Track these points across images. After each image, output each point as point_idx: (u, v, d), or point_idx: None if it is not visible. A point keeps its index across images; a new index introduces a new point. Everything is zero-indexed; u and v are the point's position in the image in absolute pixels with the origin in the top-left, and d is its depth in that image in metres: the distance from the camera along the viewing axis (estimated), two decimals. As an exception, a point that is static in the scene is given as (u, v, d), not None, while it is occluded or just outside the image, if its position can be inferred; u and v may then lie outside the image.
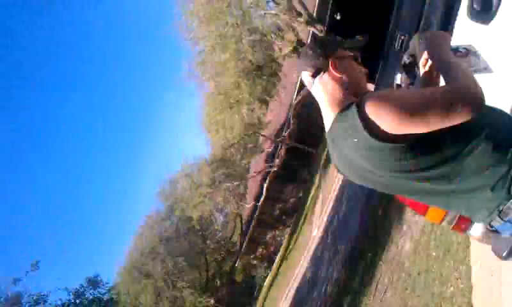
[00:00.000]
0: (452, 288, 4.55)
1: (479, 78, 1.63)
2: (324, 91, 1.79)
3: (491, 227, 1.77)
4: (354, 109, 1.63)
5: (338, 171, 1.90)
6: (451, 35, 1.87)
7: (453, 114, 1.54)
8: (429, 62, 1.88)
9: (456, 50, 1.91)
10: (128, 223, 66.71)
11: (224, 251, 26.60)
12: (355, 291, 8.42)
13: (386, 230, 7.88)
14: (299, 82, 17.39)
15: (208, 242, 25.41)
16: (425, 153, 1.63)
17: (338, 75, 1.78)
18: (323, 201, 17.09)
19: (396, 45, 3.45)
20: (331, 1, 16.15)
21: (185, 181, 21.70)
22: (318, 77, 1.80)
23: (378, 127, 1.57)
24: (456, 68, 1.67)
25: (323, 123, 1.82)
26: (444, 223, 2.76)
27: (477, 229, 2.65)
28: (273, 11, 17.31)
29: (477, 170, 1.64)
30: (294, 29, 17.59)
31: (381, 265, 7.32)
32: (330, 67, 1.78)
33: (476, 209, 1.73)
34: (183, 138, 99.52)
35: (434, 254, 5.37)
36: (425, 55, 1.89)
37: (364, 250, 8.98)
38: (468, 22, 2.58)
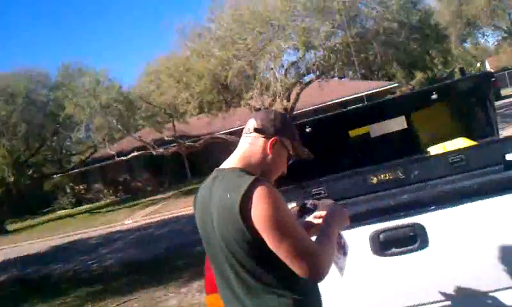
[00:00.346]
0: None
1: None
2: (249, 144, 1.93)
3: None
4: (251, 178, 1.74)
5: (195, 199, 1.99)
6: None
7: (301, 263, 1.69)
8: (320, 221, 2.06)
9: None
10: None
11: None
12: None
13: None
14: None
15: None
16: (260, 263, 1.75)
17: (269, 151, 1.91)
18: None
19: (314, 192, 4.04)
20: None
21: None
22: (258, 134, 1.92)
23: (250, 206, 1.69)
24: (330, 244, 1.84)
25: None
26: None
27: None
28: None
29: (269, 305, 1.77)
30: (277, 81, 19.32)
31: None
32: (271, 140, 1.91)
33: None
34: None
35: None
36: (322, 214, 2.08)
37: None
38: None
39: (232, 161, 1.92)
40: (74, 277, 11.63)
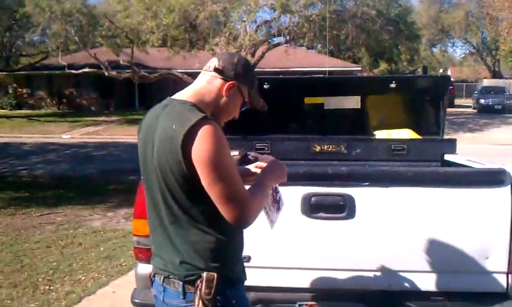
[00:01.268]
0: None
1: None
2: (206, 82, 1.89)
3: (152, 277, 1.95)
4: (200, 114, 1.72)
5: (141, 122, 1.96)
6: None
7: (229, 207, 1.70)
8: (258, 171, 2.11)
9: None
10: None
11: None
12: None
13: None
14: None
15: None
16: (191, 198, 1.76)
17: (224, 94, 1.89)
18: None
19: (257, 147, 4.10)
20: None
21: None
22: (217, 74, 1.89)
23: (192, 141, 1.68)
24: (262, 196, 1.87)
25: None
26: (136, 239, 2.84)
27: (145, 269, 2.75)
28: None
29: (193, 242, 1.79)
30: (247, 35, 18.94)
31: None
32: (229, 83, 1.88)
33: (165, 258, 1.86)
34: None
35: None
36: (263, 165, 2.13)
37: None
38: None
39: (185, 94, 1.89)
40: (1, 179, 11.30)
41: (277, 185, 2.12)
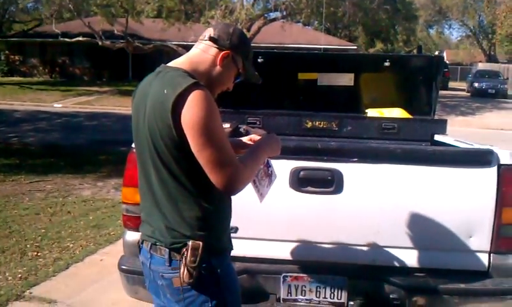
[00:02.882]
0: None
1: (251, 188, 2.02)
2: (201, 50, 1.90)
3: (140, 244, 1.96)
4: (192, 80, 1.72)
5: (135, 89, 1.96)
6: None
7: (218, 172, 1.70)
8: (251, 144, 2.16)
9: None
10: None
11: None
12: None
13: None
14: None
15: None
16: (180, 164, 1.75)
17: (219, 63, 1.88)
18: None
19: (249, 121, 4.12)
20: None
21: None
22: (212, 43, 1.88)
23: (182, 105, 1.67)
24: (253, 165, 1.89)
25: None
26: (125, 206, 2.85)
27: (133, 236, 2.79)
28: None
29: (180, 209, 1.80)
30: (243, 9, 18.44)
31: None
32: (223, 52, 1.87)
33: (153, 225, 1.87)
34: None
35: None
36: (256, 138, 2.17)
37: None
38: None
39: (180, 62, 1.88)
40: (-10, 145, 11.23)
41: (269, 159, 2.12)
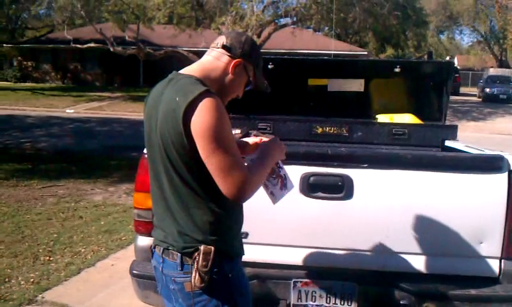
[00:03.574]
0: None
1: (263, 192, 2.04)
2: (213, 58, 1.93)
3: (152, 249, 1.98)
4: (203, 87, 1.74)
5: (148, 95, 1.98)
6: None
7: (226, 180, 1.72)
8: (256, 140, 2.21)
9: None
10: None
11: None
12: None
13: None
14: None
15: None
16: (191, 171, 1.77)
17: (230, 71, 1.91)
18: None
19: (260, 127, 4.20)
20: None
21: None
22: (224, 51, 1.92)
23: (193, 112, 1.69)
24: (261, 172, 1.88)
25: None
26: (136, 211, 2.86)
27: (144, 241, 2.82)
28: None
29: (192, 214, 1.82)
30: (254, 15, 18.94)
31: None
32: (235, 60, 1.90)
33: (166, 230, 1.89)
34: None
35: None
36: (264, 140, 2.18)
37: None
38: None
39: (192, 69, 1.91)
40: (4, 150, 11.35)
41: (279, 162, 2.13)
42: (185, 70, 1.91)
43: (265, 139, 2.20)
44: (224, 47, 1.91)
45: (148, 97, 1.96)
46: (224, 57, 1.91)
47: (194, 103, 1.69)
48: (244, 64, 1.93)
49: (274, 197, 2.12)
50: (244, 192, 1.75)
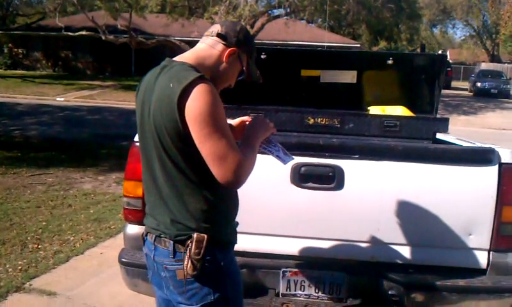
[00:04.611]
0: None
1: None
2: (208, 46, 1.92)
3: (144, 236, 1.97)
4: (197, 74, 1.73)
5: (140, 83, 1.96)
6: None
7: (220, 165, 1.70)
8: (238, 122, 2.19)
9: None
10: None
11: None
12: None
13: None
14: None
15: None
16: (185, 158, 1.76)
17: (224, 59, 1.90)
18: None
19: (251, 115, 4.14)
20: None
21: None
22: (219, 39, 1.91)
23: (187, 98, 1.68)
24: (252, 154, 1.86)
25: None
26: (126, 200, 2.83)
27: (133, 230, 2.82)
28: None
29: (185, 202, 1.80)
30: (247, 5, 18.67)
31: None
32: (230, 49, 1.90)
33: (158, 218, 1.88)
34: None
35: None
36: (245, 119, 2.19)
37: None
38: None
39: (186, 56, 1.90)
40: (-8, 137, 11.25)
41: (272, 138, 2.09)
42: (179, 57, 1.90)
43: (245, 118, 2.18)
44: (219, 35, 1.91)
45: (141, 84, 1.94)
46: (219, 46, 1.90)
47: (189, 89, 1.68)
48: (239, 53, 1.92)
49: (282, 159, 2.09)
50: (239, 177, 1.73)
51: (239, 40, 1.92)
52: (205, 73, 1.81)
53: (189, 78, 1.70)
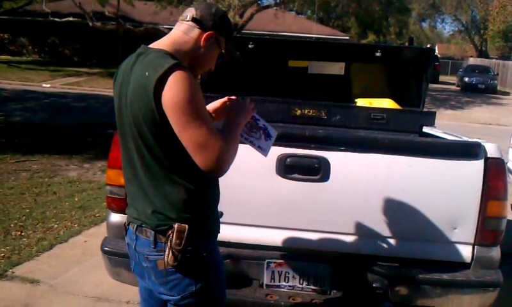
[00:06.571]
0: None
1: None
2: (183, 32, 1.86)
3: (126, 226, 1.95)
4: (173, 61, 1.68)
5: (117, 72, 1.93)
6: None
7: (202, 153, 1.67)
8: (228, 104, 2.04)
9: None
10: None
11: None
12: None
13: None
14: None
15: None
16: (164, 147, 1.73)
17: (202, 44, 1.85)
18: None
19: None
20: None
21: None
22: (194, 23, 1.85)
23: (164, 86, 1.64)
24: (234, 142, 1.79)
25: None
26: (109, 188, 2.81)
27: (117, 218, 2.81)
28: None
29: (165, 192, 1.77)
30: None
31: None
32: (207, 33, 1.85)
33: (139, 209, 1.85)
34: None
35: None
36: (220, 100, 2.11)
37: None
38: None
39: (162, 43, 1.85)
40: (-24, 123, 11.08)
41: (255, 115, 2.06)
42: (155, 44, 1.85)
43: (222, 99, 2.12)
44: (194, 19, 1.85)
45: (117, 73, 1.90)
46: (195, 31, 1.85)
47: (165, 77, 1.64)
48: (216, 36, 1.87)
49: (263, 150, 2.07)
50: (222, 164, 1.70)
51: (215, 23, 1.86)
52: (183, 59, 1.78)
53: (165, 66, 1.66)
